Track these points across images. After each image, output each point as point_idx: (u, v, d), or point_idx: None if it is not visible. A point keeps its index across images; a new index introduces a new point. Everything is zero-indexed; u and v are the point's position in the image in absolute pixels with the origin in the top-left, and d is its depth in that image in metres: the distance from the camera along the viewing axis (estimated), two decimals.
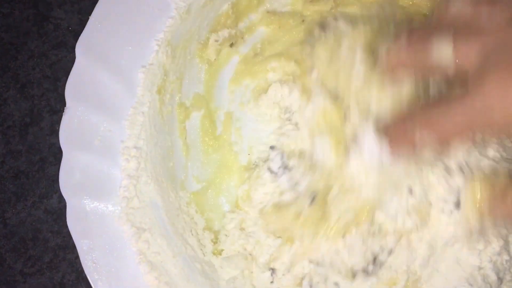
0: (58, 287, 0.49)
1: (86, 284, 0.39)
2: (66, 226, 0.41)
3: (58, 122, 0.42)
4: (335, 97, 0.39)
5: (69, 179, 0.41)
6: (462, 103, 0.30)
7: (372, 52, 0.38)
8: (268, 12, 0.49)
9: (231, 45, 0.49)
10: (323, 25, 0.41)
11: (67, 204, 0.41)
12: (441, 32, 0.32)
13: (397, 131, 0.35)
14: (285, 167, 0.41)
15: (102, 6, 0.44)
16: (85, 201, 0.41)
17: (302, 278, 0.40)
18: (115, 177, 0.42)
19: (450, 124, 0.31)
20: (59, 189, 0.41)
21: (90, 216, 0.40)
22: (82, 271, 0.40)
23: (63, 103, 0.50)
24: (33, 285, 0.49)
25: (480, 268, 0.38)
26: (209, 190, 0.46)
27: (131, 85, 0.43)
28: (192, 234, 0.43)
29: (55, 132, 0.52)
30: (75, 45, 0.43)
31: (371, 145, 0.36)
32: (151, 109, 0.43)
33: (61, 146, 0.41)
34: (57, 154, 0.52)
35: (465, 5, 0.33)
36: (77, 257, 0.40)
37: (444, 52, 0.32)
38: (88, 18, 0.44)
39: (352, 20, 0.40)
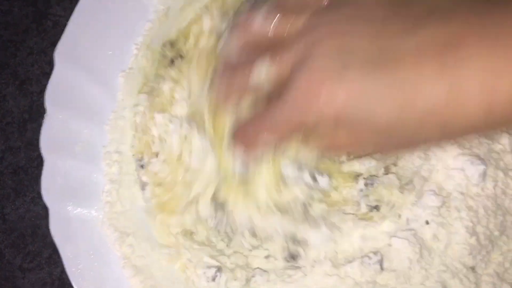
0: (57, 282, 0.50)
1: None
2: None
3: None
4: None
5: (51, 186, 0.41)
6: (280, 105, 0.33)
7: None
8: None
9: None
10: None
11: (50, 211, 0.40)
12: (260, 53, 0.35)
13: (239, 137, 0.38)
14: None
15: (80, 12, 0.43)
16: (68, 207, 0.41)
17: None
18: (97, 182, 0.41)
19: (278, 125, 0.34)
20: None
21: (74, 222, 0.40)
22: None
23: None
24: (32, 280, 0.50)
25: None
26: None
27: (111, 89, 0.43)
28: None
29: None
30: (74, 12, 0.43)
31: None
32: (131, 113, 0.43)
33: (42, 153, 0.41)
34: None
35: (268, 22, 0.36)
36: None
37: (262, 72, 0.34)
38: None
39: None
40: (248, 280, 0.40)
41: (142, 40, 0.44)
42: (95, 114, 0.42)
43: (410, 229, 0.39)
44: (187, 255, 0.40)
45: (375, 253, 0.38)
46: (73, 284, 0.39)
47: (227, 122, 0.39)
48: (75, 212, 0.40)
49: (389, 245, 0.39)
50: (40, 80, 0.54)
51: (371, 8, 0.32)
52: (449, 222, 0.39)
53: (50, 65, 0.53)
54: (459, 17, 0.29)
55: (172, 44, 0.45)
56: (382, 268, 0.38)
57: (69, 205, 0.41)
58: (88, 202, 0.41)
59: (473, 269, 0.39)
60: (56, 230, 0.40)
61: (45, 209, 0.50)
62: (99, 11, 0.44)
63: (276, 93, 0.34)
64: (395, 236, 0.38)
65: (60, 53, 0.43)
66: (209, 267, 0.40)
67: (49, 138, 0.42)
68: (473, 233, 0.39)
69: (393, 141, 0.33)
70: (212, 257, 0.40)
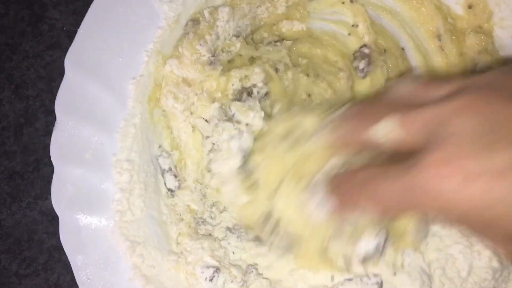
0: None
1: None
2: None
3: (53, 122, 0.42)
4: None
5: (61, 194, 0.40)
6: (400, 180, 0.30)
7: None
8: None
9: None
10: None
11: (60, 220, 0.40)
12: (388, 111, 0.32)
13: (343, 192, 0.35)
14: None
15: (90, 18, 0.43)
16: (78, 216, 0.40)
17: None
18: (107, 190, 0.41)
19: (388, 199, 0.31)
20: None
21: (84, 231, 0.40)
22: None
23: None
24: (28, 287, 0.49)
25: None
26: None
27: (122, 97, 0.42)
28: None
29: (50, 133, 0.51)
30: (69, 46, 0.43)
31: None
32: (142, 120, 0.42)
33: (52, 160, 0.41)
34: None
35: (411, 87, 0.33)
36: None
37: (386, 129, 0.32)
38: (82, 19, 0.44)
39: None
40: (245, 281, 0.40)
41: (152, 47, 0.43)
42: (105, 122, 0.42)
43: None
44: (190, 256, 0.40)
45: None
46: None
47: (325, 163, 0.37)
48: (85, 220, 0.40)
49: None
50: (36, 84, 0.53)
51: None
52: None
53: (45, 69, 0.53)
54: None
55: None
56: None
57: (79, 213, 0.40)
58: (98, 211, 0.40)
59: None
60: (66, 239, 0.40)
61: (41, 214, 0.50)
62: (109, 18, 0.43)
63: (395, 159, 0.31)
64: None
65: (70, 60, 0.42)
66: (208, 267, 0.40)
67: (59, 146, 0.41)
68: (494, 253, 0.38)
69: None
70: (212, 255, 0.40)
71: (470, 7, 0.46)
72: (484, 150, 0.26)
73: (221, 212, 0.44)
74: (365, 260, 0.38)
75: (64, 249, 0.40)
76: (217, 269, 0.39)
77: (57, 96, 0.41)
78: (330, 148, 0.37)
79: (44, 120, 0.52)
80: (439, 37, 0.47)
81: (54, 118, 0.42)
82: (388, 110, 0.32)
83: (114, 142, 0.41)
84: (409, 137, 0.31)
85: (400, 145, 0.31)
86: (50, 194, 0.49)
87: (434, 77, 0.34)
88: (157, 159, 0.43)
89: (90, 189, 0.41)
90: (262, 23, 0.49)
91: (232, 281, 0.39)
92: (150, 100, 0.43)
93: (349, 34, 0.49)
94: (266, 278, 0.40)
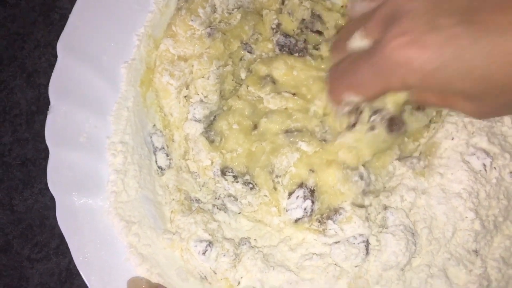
0: (64, 273, 0.50)
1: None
2: None
3: None
4: None
5: (57, 177, 0.40)
6: (367, 65, 0.34)
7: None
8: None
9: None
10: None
11: (56, 201, 0.40)
12: (356, 27, 0.37)
13: (330, 93, 0.40)
14: None
15: (81, 4, 0.43)
16: (74, 198, 0.40)
17: None
18: (102, 172, 0.41)
19: (364, 85, 0.36)
20: None
21: (80, 212, 0.40)
22: None
23: None
24: (40, 271, 0.49)
25: None
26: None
27: (115, 80, 0.42)
28: None
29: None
30: (76, 4, 0.43)
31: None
32: (135, 103, 0.43)
33: (48, 144, 0.41)
34: None
35: (363, 3, 0.38)
36: None
37: (357, 39, 0.37)
38: None
39: None
40: (237, 255, 0.40)
41: (143, 31, 0.44)
42: (98, 105, 0.42)
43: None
44: (183, 233, 0.40)
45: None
46: (81, 273, 0.39)
47: None
48: (81, 202, 0.40)
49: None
50: (47, 73, 0.53)
51: None
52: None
53: (56, 57, 0.54)
54: None
55: None
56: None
57: (75, 195, 0.40)
58: (93, 192, 0.41)
59: (476, 252, 0.39)
60: (63, 220, 0.40)
61: (53, 200, 0.50)
62: (100, 3, 0.43)
63: (366, 52, 0.35)
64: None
65: (63, 46, 0.42)
66: (201, 241, 0.40)
67: (53, 130, 0.41)
68: (476, 216, 0.39)
69: (499, 101, 0.32)
70: (206, 228, 0.40)
71: None
72: (432, 22, 0.31)
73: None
74: (296, 222, 0.40)
75: (61, 230, 0.40)
76: (209, 243, 0.39)
77: (50, 81, 0.42)
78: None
79: None
80: None
81: None
82: (354, 27, 0.38)
83: (107, 125, 0.42)
84: (373, 36, 0.35)
85: (368, 44, 0.36)
86: None
87: None
88: (151, 137, 0.43)
89: (85, 172, 0.41)
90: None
91: (224, 255, 0.39)
92: (142, 84, 0.43)
93: None
94: (260, 251, 0.40)
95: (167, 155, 0.44)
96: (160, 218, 0.42)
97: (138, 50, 0.43)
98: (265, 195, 0.42)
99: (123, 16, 0.43)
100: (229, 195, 0.43)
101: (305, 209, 0.40)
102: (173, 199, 0.43)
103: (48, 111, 0.41)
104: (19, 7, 0.55)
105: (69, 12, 0.54)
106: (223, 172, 0.42)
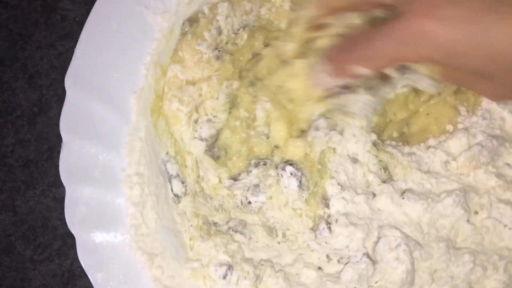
0: (67, 274, 0.50)
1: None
2: None
3: None
4: None
5: (75, 214, 0.40)
6: (388, 32, 0.33)
7: None
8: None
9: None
10: None
11: (76, 239, 0.40)
12: None
13: (336, 64, 0.38)
14: None
15: (86, 36, 0.43)
16: (93, 234, 0.40)
17: None
18: (120, 206, 0.41)
19: (378, 54, 0.34)
20: None
21: (101, 248, 0.40)
22: None
23: None
24: (42, 272, 0.50)
25: None
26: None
27: (125, 111, 0.42)
28: None
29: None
30: (80, 37, 0.43)
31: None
32: (147, 133, 0.42)
33: (63, 181, 0.41)
34: None
35: None
36: None
37: None
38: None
39: None
40: (258, 276, 0.40)
41: (149, 59, 0.43)
42: (111, 138, 0.42)
43: None
44: (204, 259, 0.41)
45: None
46: None
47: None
48: (101, 238, 0.40)
49: None
50: (49, 74, 0.53)
51: None
52: None
53: (58, 59, 0.54)
54: None
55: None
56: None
57: (95, 231, 0.40)
58: (113, 227, 0.40)
59: None
60: (84, 258, 0.40)
61: (55, 201, 0.51)
62: (104, 35, 0.43)
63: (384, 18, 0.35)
64: None
65: (70, 80, 0.42)
66: (221, 265, 0.40)
67: (68, 167, 0.41)
68: None
69: None
70: (226, 250, 0.40)
71: None
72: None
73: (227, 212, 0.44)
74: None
75: (84, 268, 0.40)
76: (229, 267, 0.39)
77: (60, 117, 0.42)
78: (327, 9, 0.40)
79: (57, 109, 0.52)
80: None
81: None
82: None
83: (121, 157, 0.42)
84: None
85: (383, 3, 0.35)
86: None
87: None
88: (165, 165, 0.43)
89: (103, 206, 0.41)
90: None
91: (245, 278, 0.39)
92: (152, 112, 0.43)
93: None
94: (282, 270, 0.41)
95: (182, 182, 0.43)
96: (182, 247, 0.42)
97: (146, 79, 0.43)
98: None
99: (127, 46, 0.43)
100: (250, 187, 0.43)
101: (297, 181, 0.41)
102: (191, 225, 0.43)
103: (61, 149, 0.41)
104: (21, 8, 0.55)
105: (71, 13, 0.54)
106: (235, 179, 0.42)
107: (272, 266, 0.41)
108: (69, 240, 0.50)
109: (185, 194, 0.43)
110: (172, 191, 0.43)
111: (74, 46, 0.54)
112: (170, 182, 0.43)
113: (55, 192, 0.51)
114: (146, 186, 0.41)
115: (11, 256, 0.50)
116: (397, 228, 0.40)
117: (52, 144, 0.52)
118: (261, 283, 0.40)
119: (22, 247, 0.50)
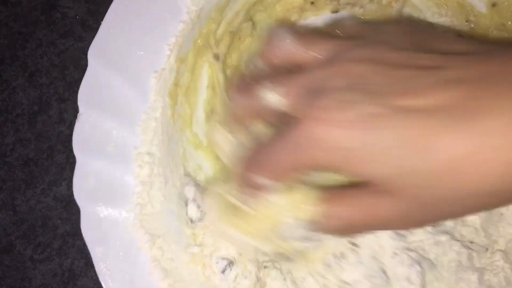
0: (67, 274, 0.49)
1: (95, 270, 0.40)
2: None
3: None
4: None
5: (83, 186, 0.40)
6: (286, 136, 0.31)
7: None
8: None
9: None
10: None
11: (81, 211, 0.40)
12: (266, 79, 0.34)
13: (239, 179, 0.36)
14: None
15: (113, 11, 0.42)
16: (99, 208, 0.40)
17: None
18: (128, 183, 0.40)
19: (277, 164, 0.32)
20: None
21: (104, 223, 0.40)
22: (91, 258, 0.39)
23: (71, 92, 0.51)
24: (42, 271, 0.49)
25: None
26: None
27: (144, 90, 0.42)
28: None
29: (63, 121, 0.52)
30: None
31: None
32: (163, 115, 0.42)
33: (75, 152, 0.40)
34: (66, 142, 0.51)
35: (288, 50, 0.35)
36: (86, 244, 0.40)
37: (271, 97, 0.33)
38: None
39: None
40: (260, 279, 0.39)
41: (174, 40, 0.43)
42: (127, 115, 0.41)
43: None
44: (207, 248, 0.40)
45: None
46: (102, 284, 0.39)
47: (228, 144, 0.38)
48: (105, 212, 0.40)
49: None
50: (49, 72, 0.53)
51: (396, 39, 0.32)
52: None
53: (59, 57, 0.53)
54: (494, 61, 0.28)
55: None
56: None
57: (101, 205, 0.40)
58: (119, 203, 0.40)
59: None
60: (87, 230, 0.40)
61: (55, 201, 0.50)
62: (132, 11, 0.43)
63: (282, 126, 0.33)
64: None
65: (94, 53, 0.42)
66: (223, 258, 0.39)
67: (81, 138, 0.41)
68: None
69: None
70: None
71: (494, 5, 0.46)
72: (354, 99, 0.29)
73: None
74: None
75: (85, 240, 0.39)
76: (230, 262, 0.39)
77: (80, 89, 0.41)
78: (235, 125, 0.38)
79: (57, 108, 0.52)
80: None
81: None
82: (271, 77, 0.34)
83: (135, 135, 0.41)
84: (291, 101, 0.33)
85: (285, 110, 0.33)
86: (63, 180, 0.50)
87: (309, 31, 0.36)
88: (183, 188, 0.42)
89: (112, 182, 0.40)
90: None
91: (246, 277, 0.39)
92: (170, 95, 0.43)
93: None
94: (290, 273, 0.40)
95: (199, 207, 0.42)
96: (184, 232, 0.41)
97: (168, 60, 0.43)
98: None
99: (154, 25, 0.43)
100: None
101: None
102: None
103: (76, 119, 0.41)
104: (21, 6, 0.54)
105: (71, 11, 0.54)
106: None
107: (278, 268, 0.40)
108: (69, 239, 0.50)
109: (199, 220, 0.42)
110: (187, 214, 0.42)
111: (75, 44, 0.54)
112: (186, 204, 0.42)
113: (56, 191, 0.51)
114: (156, 167, 0.41)
115: (11, 255, 0.50)
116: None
117: (52, 143, 0.52)
118: (266, 286, 0.39)
119: (22, 247, 0.50)
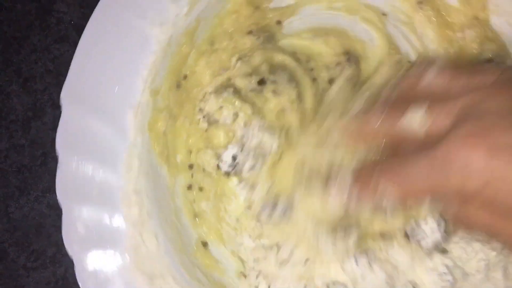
0: (61, 282, 0.49)
1: None
2: None
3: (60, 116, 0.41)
4: None
5: (72, 235, 0.39)
6: (424, 158, 0.30)
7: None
8: None
9: None
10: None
11: (74, 261, 0.39)
12: (416, 101, 0.33)
13: (364, 177, 0.35)
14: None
15: (82, 50, 0.41)
16: (92, 255, 0.39)
17: None
18: (119, 225, 0.40)
19: (410, 180, 0.31)
20: None
21: (99, 270, 0.39)
22: None
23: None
24: (36, 279, 0.49)
25: None
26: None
27: (122, 127, 0.41)
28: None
29: (57, 127, 0.52)
30: (78, 40, 0.42)
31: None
32: (144, 150, 0.41)
33: (59, 201, 0.40)
34: None
35: (438, 78, 0.34)
36: None
37: (416, 119, 0.33)
38: (90, 12, 0.43)
39: None
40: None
41: (147, 73, 0.42)
42: (108, 156, 0.40)
43: None
44: None
45: None
46: None
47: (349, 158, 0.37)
48: (99, 259, 0.39)
49: None
50: (44, 78, 0.52)
51: None
52: None
53: (53, 62, 0.53)
54: None
55: None
56: None
57: (93, 252, 0.39)
58: (112, 247, 0.39)
59: None
60: (83, 281, 0.39)
61: (49, 208, 0.50)
62: (101, 48, 0.41)
63: (422, 147, 0.31)
64: None
65: (66, 96, 0.41)
66: None
67: (64, 185, 0.40)
68: None
69: None
70: None
71: None
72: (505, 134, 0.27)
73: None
74: None
75: None
76: None
77: (57, 135, 0.40)
78: (356, 141, 0.37)
79: (51, 114, 0.51)
80: None
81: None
82: (414, 99, 0.33)
83: (119, 175, 0.40)
84: (436, 124, 0.31)
85: (427, 132, 0.32)
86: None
87: (458, 67, 0.35)
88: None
89: (101, 227, 0.40)
90: None
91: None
92: (150, 129, 0.42)
93: None
94: None
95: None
96: (183, 267, 0.42)
97: (143, 94, 0.42)
98: None
99: (125, 59, 0.42)
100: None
101: None
102: None
103: (57, 167, 0.40)
104: (15, 10, 0.54)
105: (66, 16, 0.54)
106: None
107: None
108: (63, 247, 0.48)
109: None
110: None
111: (70, 50, 0.53)
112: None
113: (49, 198, 0.50)
114: (145, 205, 0.41)
115: (4, 263, 0.49)
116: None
117: (46, 150, 0.51)
118: None
119: (16, 254, 0.50)
